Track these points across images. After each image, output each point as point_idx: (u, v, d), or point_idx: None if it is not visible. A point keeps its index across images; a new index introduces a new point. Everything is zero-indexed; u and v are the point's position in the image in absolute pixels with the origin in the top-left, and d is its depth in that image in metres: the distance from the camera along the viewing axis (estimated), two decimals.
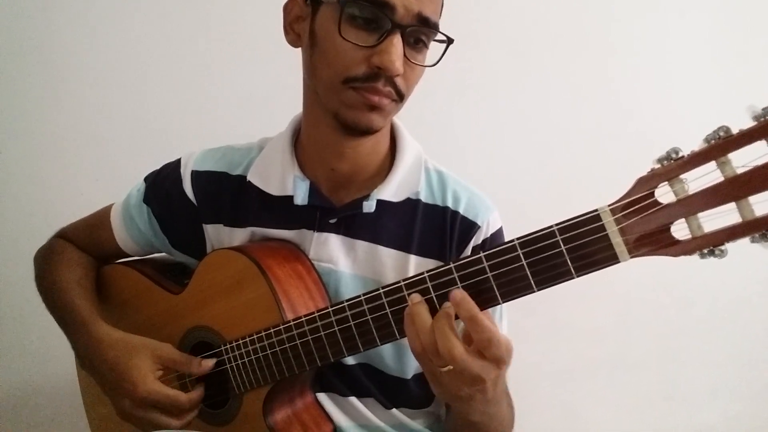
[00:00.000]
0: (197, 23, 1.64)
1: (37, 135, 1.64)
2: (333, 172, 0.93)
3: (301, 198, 0.93)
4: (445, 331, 0.66)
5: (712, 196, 0.54)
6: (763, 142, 0.51)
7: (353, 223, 0.94)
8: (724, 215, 0.53)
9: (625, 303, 1.78)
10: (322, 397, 0.95)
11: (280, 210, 0.96)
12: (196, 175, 1.02)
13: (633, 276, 1.76)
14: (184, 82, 1.65)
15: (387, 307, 0.74)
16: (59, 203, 1.60)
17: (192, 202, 1.02)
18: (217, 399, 0.96)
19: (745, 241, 0.54)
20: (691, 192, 0.56)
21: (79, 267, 1.07)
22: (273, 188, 0.96)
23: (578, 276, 0.63)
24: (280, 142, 0.99)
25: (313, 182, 0.95)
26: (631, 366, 1.84)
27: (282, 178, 0.95)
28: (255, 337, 0.88)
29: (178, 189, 1.02)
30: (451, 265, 0.69)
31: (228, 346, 0.91)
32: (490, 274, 0.67)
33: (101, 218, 1.10)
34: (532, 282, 0.66)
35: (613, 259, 0.61)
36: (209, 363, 0.92)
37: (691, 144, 0.57)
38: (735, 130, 0.53)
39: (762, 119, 0.51)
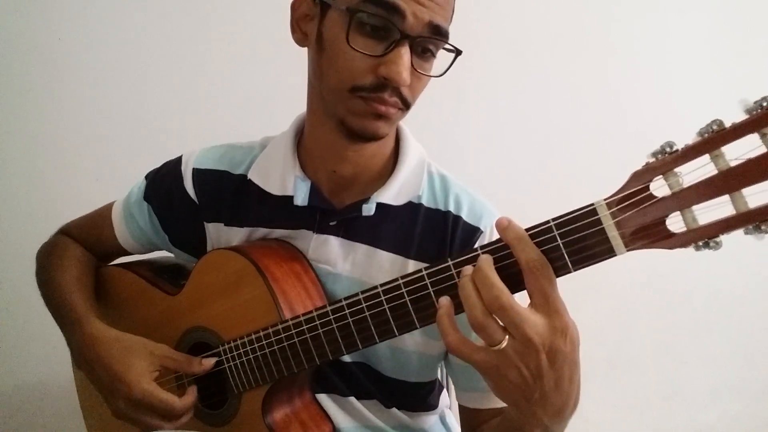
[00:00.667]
0: (197, 22, 1.65)
1: (37, 135, 1.64)
2: (335, 173, 0.93)
3: (301, 199, 0.93)
4: (486, 277, 0.63)
5: (706, 189, 0.54)
6: (756, 135, 0.51)
7: (353, 226, 0.94)
8: (719, 208, 0.54)
9: (624, 303, 1.78)
10: (322, 397, 0.95)
11: (279, 210, 0.96)
12: (197, 173, 1.02)
13: (633, 276, 1.76)
14: (184, 82, 1.65)
15: (385, 304, 0.74)
16: (59, 203, 1.60)
17: (193, 200, 1.02)
18: (215, 399, 0.96)
19: (739, 235, 0.54)
20: (685, 185, 0.56)
21: (79, 264, 1.07)
22: (273, 187, 0.96)
23: (575, 270, 0.63)
24: (283, 141, 0.98)
25: (314, 183, 0.94)
26: (631, 366, 1.84)
27: (283, 178, 0.95)
28: (253, 336, 0.87)
29: (179, 187, 1.02)
30: (450, 263, 0.69)
31: (226, 346, 0.91)
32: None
33: (103, 216, 1.11)
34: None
35: (609, 252, 0.61)
36: (210, 362, 0.91)
37: (688, 141, 0.57)
38: (728, 124, 0.53)
39: (754, 112, 0.51)
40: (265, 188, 0.96)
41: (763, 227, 0.52)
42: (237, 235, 0.99)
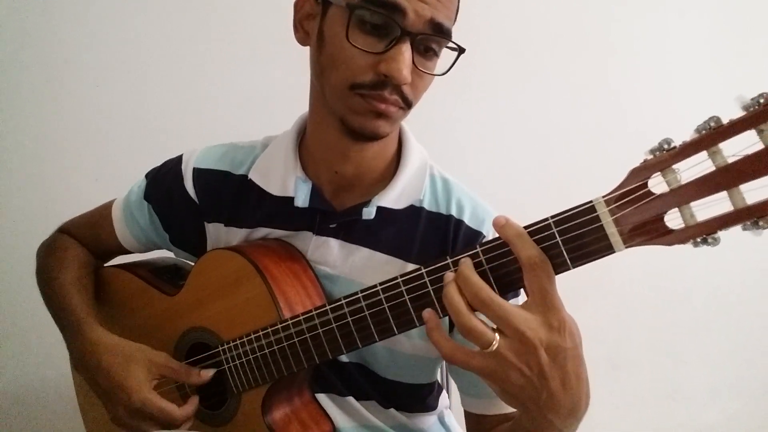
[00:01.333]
0: (198, 22, 1.65)
1: (37, 134, 1.64)
2: (336, 174, 0.93)
3: (302, 200, 0.92)
4: (466, 277, 0.64)
5: (704, 186, 0.55)
6: (753, 131, 0.52)
7: (353, 229, 0.93)
8: (716, 204, 0.54)
9: (624, 302, 1.78)
10: (322, 397, 0.95)
11: (279, 210, 0.96)
12: (197, 173, 1.02)
13: (632, 275, 1.76)
14: (184, 82, 1.65)
15: (384, 303, 0.74)
16: (59, 202, 1.60)
17: (193, 200, 1.01)
18: (215, 399, 0.96)
19: (738, 233, 0.55)
20: (683, 182, 0.56)
21: (80, 265, 1.07)
22: (274, 188, 0.95)
23: (574, 267, 0.63)
24: (285, 141, 0.98)
25: (316, 184, 0.94)
26: (631, 365, 1.84)
27: (284, 179, 0.95)
28: (253, 336, 0.87)
29: (179, 186, 1.02)
30: (449, 261, 0.69)
31: (225, 346, 0.91)
32: (486, 267, 0.67)
33: (102, 214, 1.10)
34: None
35: (608, 249, 0.61)
36: (208, 373, 0.91)
37: (686, 138, 0.57)
38: (725, 121, 0.53)
39: (751, 109, 0.51)
40: (266, 188, 0.96)
41: (760, 223, 0.52)
42: (237, 235, 0.99)
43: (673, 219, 0.57)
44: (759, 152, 0.52)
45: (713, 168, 0.54)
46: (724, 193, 0.54)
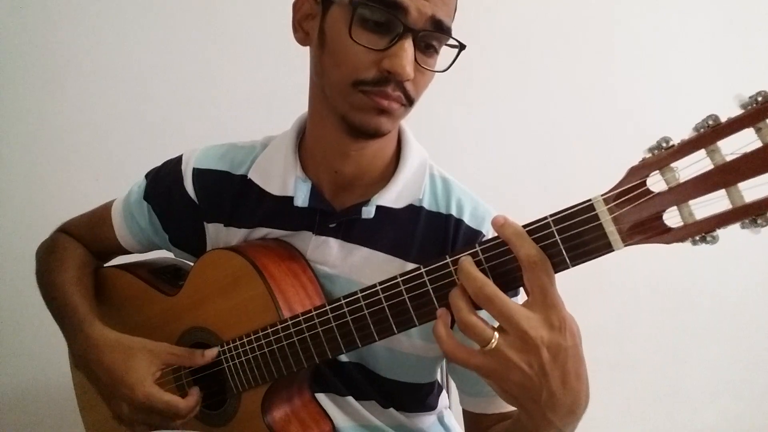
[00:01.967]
0: (198, 21, 1.65)
1: (37, 134, 1.64)
2: (336, 174, 0.93)
3: (301, 200, 0.92)
4: (468, 272, 0.64)
5: (703, 184, 0.55)
6: (751, 129, 0.52)
7: (352, 228, 0.93)
8: (715, 202, 0.54)
9: (625, 303, 1.78)
10: (321, 397, 0.95)
11: (279, 210, 0.96)
12: (197, 173, 1.02)
13: (633, 276, 1.76)
14: (185, 81, 1.65)
15: (384, 302, 0.74)
16: (59, 202, 1.59)
17: (193, 200, 1.01)
18: (215, 399, 0.96)
19: (739, 236, 0.55)
20: (682, 180, 0.56)
21: (80, 265, 1.07)
22: (274, 188, 0.95)
23: (573, 265, 0.63)
24: (284, 141, 0.98)
25: (315, 184, 0.94)
26: (631, 366, 1.84)
27: (283, 178, 0.95)
28: (252, 336, 0.87)
29: (178, 186, 1.02)
30: (448, 260, 0.69)
31: (225, 346, 0.91)
32: (486, 266, 0.67)
33: (102, 214, 1.10)
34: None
35: (607, 247, 0.61)
36: (212, 352, 0.91)
37: (684, 136, 0.57)
38: (723, 119, 0.53)
39: (749, 107, 0.51)
40: (266, 188, 0.96)
41: (759, 221, 0.52)
42: (236, 235, 0.99)
43: (672, 217, 0.57)
44: (757, 150, 0.51)
45: (711, 166, 0.54)
46: (722, 191, 0.54)
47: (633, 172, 0.59)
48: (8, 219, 1.65)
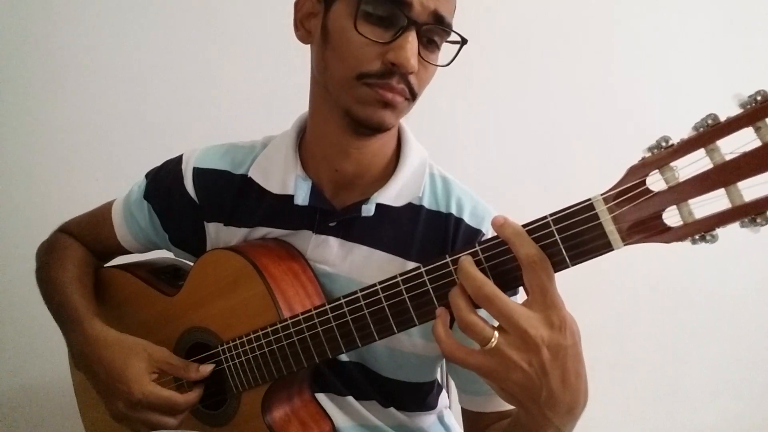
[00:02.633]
0: (198, 21, 1.65)
1: (37, 134, 1.64)
2: (337, 173, 0.93)
3: (302, 198, 0.92)
4: (467, 272, 0.64)
5: (702, 183, 0.55)
6: (750, 128, 0.52)
7: (352, 227, 0.93)
8: (714, 201, 0.54)
9: (624, 302, 1.78)
10: (321, 396, 0.95)
11: (279, 209, 0.96)
12: (198, 173, 1.02)
13: (633, 276, 1.76)
14: (185, 81, 1.66)
15: (384, 302, 0.74)
16: (59, 202, 1.60)
17: (193, 200, 1.02)
18: (214, 399, 0.96)
19: (737, 232, 0.55)
20: (681, 179, 0.56)
21: (80, 264, 1.07)
22: (274, 186, 0.95)
23: (573, 265, 0.63)
24: (285, 140, 0.98)
25: (316, 183, 0.94)
26: (631, 366, 1.84)
27: (284, 177, 0.95)
28: (252, 336, 0.87)
29: (179, 186, 1.02)
30: (448, 259, 0.69)
31: (225, 346, 0.91)
32: (486, 265, 0.67)
33: (102, 214, 1.10)
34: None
35: (607, 247, 0.61)
36: (207, 368, 0.91)
37: (683, 136, 0.57)
38: (723, 118, 0.54)
39: (748, 106, 0.52)
40: (266, 187, 0.96)
41: (758, 220, 0.52)
42: (236, 234, 0.99)
43: (672, 216, 0.57)
44: (756, 149, 0.52)
45: (711, 165, 0.54)
46: (721, 191, 0.54)
47: (632, 171, 0.59)
48: (8, 219, 1.65)
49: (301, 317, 0.83)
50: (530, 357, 0.60)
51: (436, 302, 0.71)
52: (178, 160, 1.05)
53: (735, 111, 0.53)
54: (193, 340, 0.96)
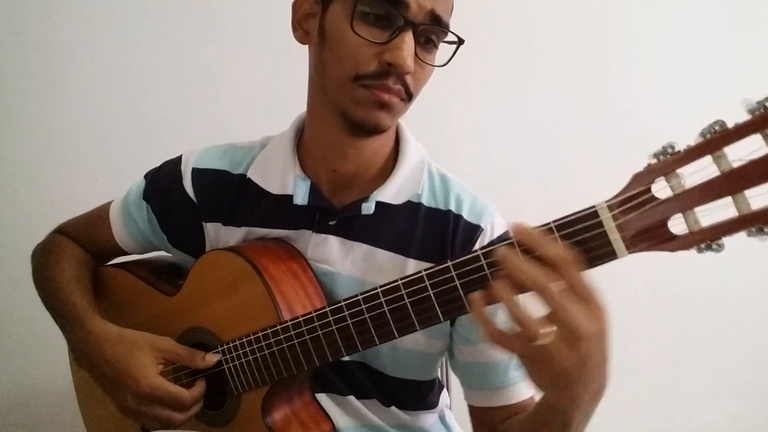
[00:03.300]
0: (198, 21, 1.65)
1: (37, 134, 1.64)
2: (335, 173, 0.93)
3: (301, 198, 0.92)
4: (515, 264, 0.60)
5: (709, 191, 0.54)
6: (759, 135, 0.51)
7: (352, 225, 0.93)
8: (721, 209, 0.53)
9: (626, 304, 1.77)
10: (322, 397, 0.95)
11: (278, 209, 0.96)
12: (197, 173, 1.02)
13: (634, 277, 1.76)
14: (185, 81, 1.65)
15: (385, 306, 0.74)
16: (59, 202, 1.59)
17: (192, 200, 1.01)
18: (215, 400, 0.95)
19: (741, 237, 0.54)
20: (687, 187, 0.56)
21: (77, 264, 1.06)
22: (273, 186, 0.95)
23: None
24: (283, 140, 0.98)
25: (314, 182, 0.94)
26: (632, 366, 1.83)
27: (282, 177, 0.95)
28: (252, 337, 0.87)
29: (178, 186, 1.02)
30: (449, 264, 0.69)
31: (225, 347, 0.91)
32: (488, 272, 0.66)
33: (100, 215, 1.10)
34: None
35: (611, 255, 0.60)
36: (213, 358, 0.91)
37: (690, 142, 0.57)
38: (730, 124, 0.53)
39: (757, 112, 0.51)
40: (265, 187, 0.96)
41: (765, 229, 0.51)
42: (235, 235, 0.99)
43: (677, 224, 0.57)
44: (765, 157, 0.51)
45: (718, 173, 0.54)
46: (728, 199, 0.53)
47: (638, 178, 0.59)
48: (8, 219, 1.64)
49: (301, 320, 0.82)
50: (576, 348, 0.59)
51: (437, 308, 0.70)
52: (177, 161, 1.05)
53: (741, 116, 0.52)
54: (193, 340, 0.96)
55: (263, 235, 0.97)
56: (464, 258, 0.68)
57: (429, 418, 1.03)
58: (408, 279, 0.72)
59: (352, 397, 0.95)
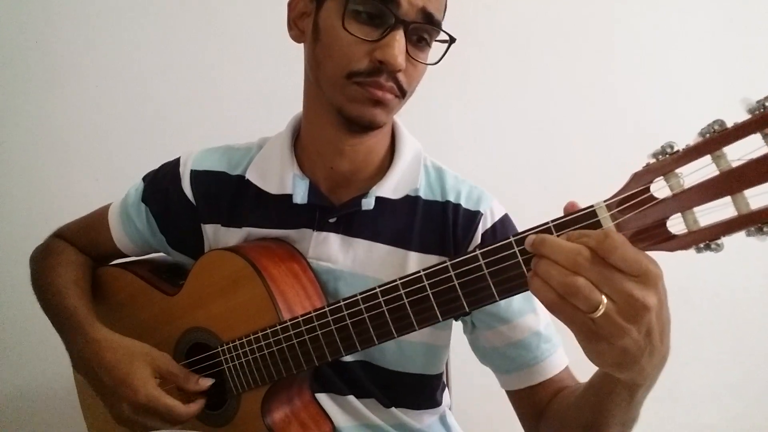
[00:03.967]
0: (198, 21, 1.65)
1: (37, 134, 1.64)
2: (332, 170, 0.93)
3: (300, 197, 0.93)
4: (560, 244, 0.57)
5: (708, 191, 0.54)
6: (758, 135, 0.51)
7: (352, 222, 0.94)
8: (720, 209, 0.53)
9: None
10: (321, 396, 0.95)
11: (278, 209, 0.96)
12: (195, 175, 1.02)
13: None
14: (185, 81, 1.65)
15: (384, 306, 0.74)
16: (59, 203, 1.60)
17: (191, 202, 1.02)
18: (215, 400, 0.95)
19: (740, 236, 0.54)
20: (686, 186, 0.55)
21: (76, 267, 1.06)
22: (272, 187, 0.96)
23: None
24: (280, 140, 0.99)
25: (313, 181, 0.95)
26: None
27: (281, 177, 0.95)
28: (252, 337, 0.87)
29: (176, 188, 1.02)
30: (447, 263, 0.69)
31: (225, 347, 0.91)
32: (486, 272, 0.66)
33: (99, 218, 1.10)
34: (528, 279, 0.64)
35: None
36: (207, 382, 0.91)
37: (689, 142, 0.56)
38: (730, 124, 0.53)
39: (756, 112, 0.51)
40: (264, 188, 0.96)
41: (765, 229, 0.51)
42: (235, 235, 0.99)
43: (676, 224, 0.56)
44: (764, 156, 0.51)
45: (717, 172, 0.53)
46: (728, 198, 0.53)
47: (636, 177, 0.59)
48: (8, 219, 1.64)
49: (300, 320, 0.82)
50: (638, 322, 0.57)
51: (436, 308, 0.71)
52: (175, 163, 1.05)
53: (743, 116, 0.52)
54: (193, 340, 0.96)
55: (264, 235, 0.97)
56: (463, 258, 0.68)
57: (430, 419, 1.03)
58: (407, 279, 0.72)
59: (352, 397, 0.95)
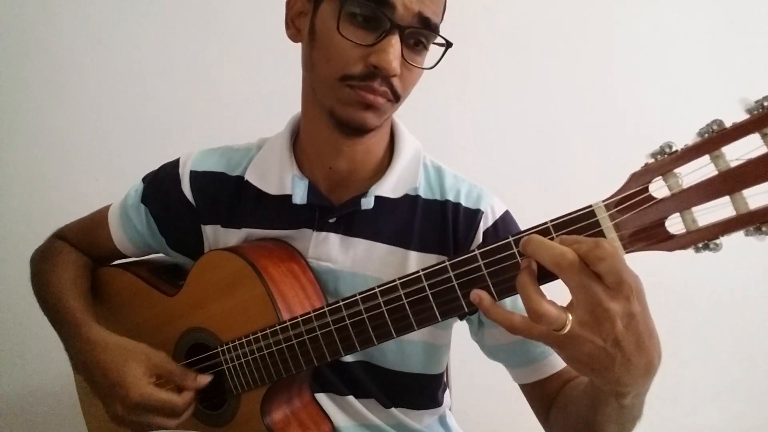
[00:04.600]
0: (198, 21, 1.65)
1: (37, 135, 1.64)
2: (331, 170, 0.93)
3: (300, 197, 0.92)
4: (541, 243, 0.59)
5: (706, 190, 0.54)
6: (757, 135, 0.51)
7: (352, 221, 0.94)
8: (719, 209, 0.53)
9: None
10: (321, 397, 0.95)
11: (277, 209, 0.96)
12: (194, 176, 1.02)
13: None
14: (184, 83, 1.65)
15: (383, 306, 0.74)
16: (59, 203, 1.60)
17: (190, 203, 1.01)
18: (215, 400, 0.95)
19: (739, 235, 0.54)
20: (685, 186, 0.55)
21: (75, 268, 1.06)
22: (271, 187, 0.95)
23: None
24: (279, 141, 0.99)
25: (312, 181, 0.95)
26: None
27: (280, 177, 0.95)
28: (252, 337, 0.87)
29: (176, 189, 1.02)
30: (447, 263, 0.69)
31: (225, 347, 0.91)
32: (485, 272, 0.66)
33: (99, 219, 1.10)
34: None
35: None
36: (205, 379, 0.91)
37: (688, 142, 0.56)
38: (728, 124, 0.53)
39: (755, 112, 0.51)
40: (263, 188, 0.96)
41: (763, 229, 0.51)
42: (235, 236, 0.99)
43: (675, 224, 0.57)
44: (762, 156, 0.51)
45: (716, 172, 0.54)
46: (726, 198, 0.53)
47: (635, 177, 0.59)
48: (8, 219, 1.64)
49: (300, 320, 0.82)
50: (603, 332, 0.58)
51: (435, 307, 0.70)
52: (174, 164, 1.05)
53: (740, 116, 0.52)
54: (193, 340, 0.96)
55: (263, 236, 0.97)
56: (462, 258, 0.68)
57: (429, 419, 1.03)
58: (406, 279, 0.72)
59: (351, 397, 0.95)
